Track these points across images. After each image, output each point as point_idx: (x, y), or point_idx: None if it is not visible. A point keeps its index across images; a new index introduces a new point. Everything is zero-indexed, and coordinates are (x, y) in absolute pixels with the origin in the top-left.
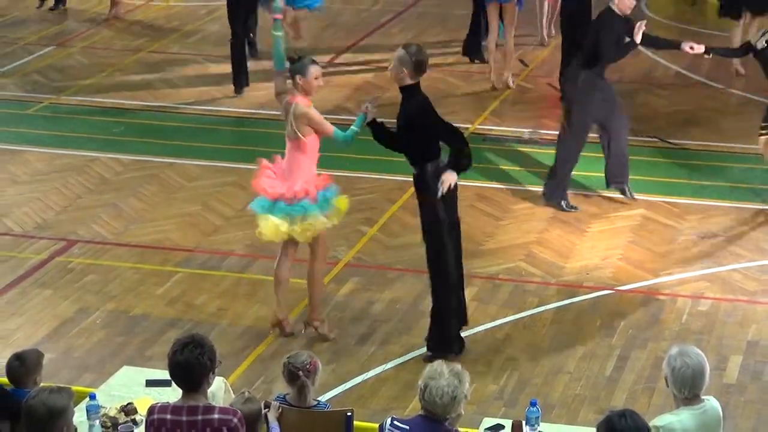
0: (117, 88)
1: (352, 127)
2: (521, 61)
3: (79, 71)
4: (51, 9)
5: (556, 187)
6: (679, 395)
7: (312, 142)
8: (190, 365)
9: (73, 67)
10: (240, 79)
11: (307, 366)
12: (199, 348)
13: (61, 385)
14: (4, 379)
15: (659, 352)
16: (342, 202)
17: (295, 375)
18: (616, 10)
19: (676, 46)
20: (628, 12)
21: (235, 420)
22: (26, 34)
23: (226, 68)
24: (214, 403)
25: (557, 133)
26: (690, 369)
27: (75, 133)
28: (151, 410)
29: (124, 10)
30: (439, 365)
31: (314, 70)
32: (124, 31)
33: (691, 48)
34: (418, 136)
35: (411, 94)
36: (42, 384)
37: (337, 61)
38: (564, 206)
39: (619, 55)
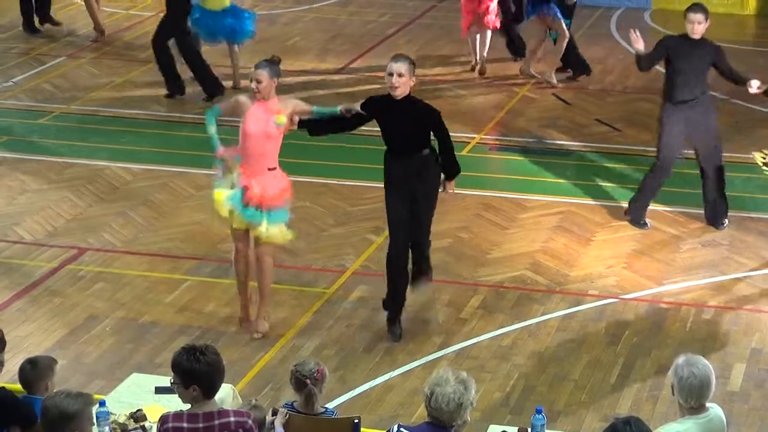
0: (126, 98)
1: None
2: (562, 100)
3: (90, 81)
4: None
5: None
6: (685, 405)
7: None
8: (212, 370)
9: (84, 78)
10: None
11: (315, 374)
12: (213, 354)
13: (82, 391)
14: (17, 386)
15: (663, 360)
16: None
17: (303, 383)
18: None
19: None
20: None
21: (250, 421)
22: (37, 45)
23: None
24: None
25: (562, 142)
26: (697, 379)
27: (85, 142)
28: (165, 419)
29: (104, 34)
30: (446, 372)
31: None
32: (134, 42)
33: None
34: (435, 130)
35: (412, 97)
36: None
37: (343, 71)
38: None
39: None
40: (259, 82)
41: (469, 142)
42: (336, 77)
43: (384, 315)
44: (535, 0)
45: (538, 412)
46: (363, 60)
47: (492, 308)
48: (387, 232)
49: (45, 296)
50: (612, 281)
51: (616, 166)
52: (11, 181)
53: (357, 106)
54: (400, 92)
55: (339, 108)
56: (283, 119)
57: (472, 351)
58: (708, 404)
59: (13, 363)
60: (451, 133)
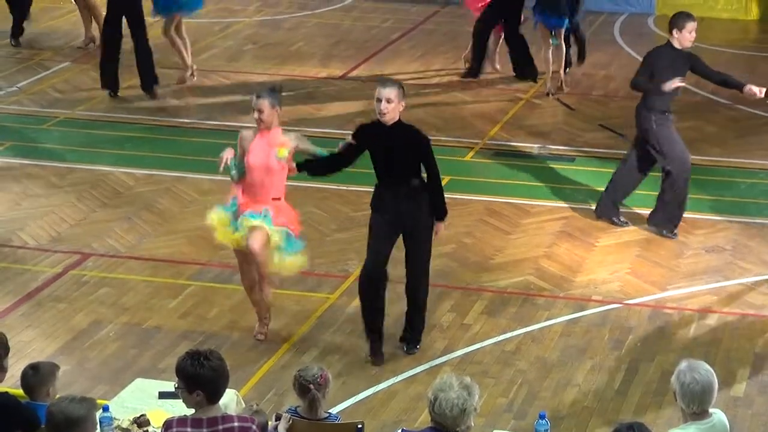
0: (130, 103)
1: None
2: (566, 105)
3: (93, 87)
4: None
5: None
6: (687, 410)
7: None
8: (216, 375)
9: (87, 83)
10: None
11: (318, 379)
12: (218, 360)
13: (86, 396)
14: (20, 391)
15: (667, 365)
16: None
17: (306, 388)
18: (676, 45)
19: (738, 86)
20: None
21: (254, 427)
22: (41, 50)
23: (238, 83)
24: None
25: (566, 148)
26: (699, 385)
27: (89, 147)
28: (169, 424)
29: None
30: (449, 377)
31: None
32: None
33: (757, 92)
34: (422, 159)
35: (403, 122)
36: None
37: (347, 77)
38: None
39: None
40: (261, 111)
41: (472, 148)
42: (339, 83)
43: (388, 319)
44: (548, 12)
45: (542, 417)
46: (366, 65)
47: (496, 313)
48: None
49: (49, 301)
50: (616, 287)
51: None
52: (15, 186)
53: (350, 138)
54: (389, 118)
55: (339, 145)
56: (285, 153)
57: (476, 356)
58: (711, 410)
59: (17, 368)
60: (456, 139)
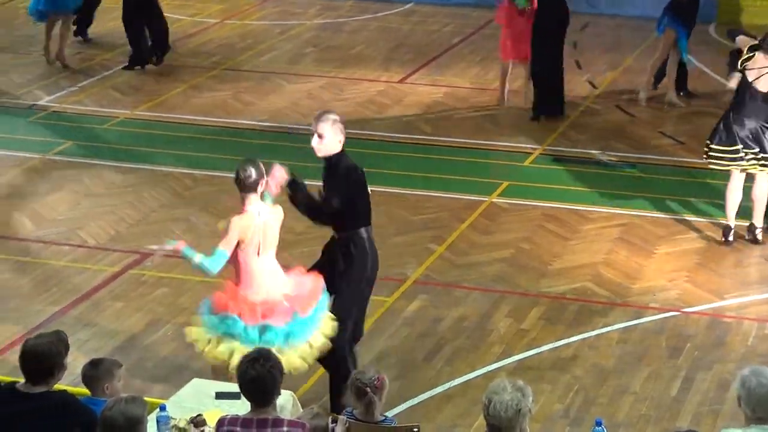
0: (191, 104)
1: None
2: (627, 112)
3: (155, 87)
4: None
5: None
6: (752, 415)
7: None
8: (262, 379)
9: (149, 83)
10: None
11: (375, 382)
12: (269, 362)
13: (134, 395)
14: (82, 389)
15: (725, 374)
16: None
17: (363, 391)
18: None
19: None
20: None
21: None
22: (103, 51)
23: (301, 86)
24: (282, 416)
25: (626, 154)
26: (765, 389)
27: (149, 147)
28: (221, 422)
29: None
30: (502, 381)
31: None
32: (199, 48)
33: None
34: (359, 197)
35: (344, 157)
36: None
37: (407, 80)
38: None
39: None
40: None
41: (532, 153)
42: (399, 86)
43: (445, 323)
44: (677, 12)
45: (598, 424)
46: (426, 70)
47: (553, 319)
48: (448, 242)
49: (107, 300)
50: (674, 294)
51: (680, 179)
52: (75, 185)
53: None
54: (321, 155)
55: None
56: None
57: (533, 362)
58: None
59: (75, 366)
60: (515, 144)
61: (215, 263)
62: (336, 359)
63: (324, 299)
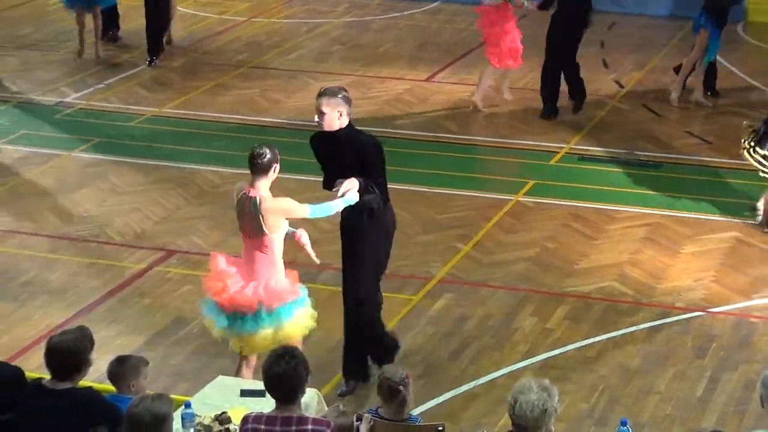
0: (217, 102)
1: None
2: (653, 111)
3: (181, 85)
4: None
5: None
6: None
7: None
8: (287, 377)
9: (176, 81)
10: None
11: (405, 379)
12: (294, 359)
13: (160, 392)
14: (108, 386)
15: (751, 375)
16: (295, 328)
17: (396, 390)
18: None
19: None
20: None
21: (328, 431)
22: (130, 48)
23: (327, 84)
24: (307, 414)
25: (652, 154)
26: None
27: (175, 145)
28: (246, 420)
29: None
30: (528, 380)
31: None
32: (226, 46)
33: None
34: (380, 169)
35: (355, 130)
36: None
37: (433, 79)
38: None
39: None
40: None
41: (558, 152)
42: (426, 84)
43: (470, 322)
44: (711, 12)
45: (623, 424)
46: (452, 68)
47: (578, 319)
48: (474, 240)
49: (133, 297)
50: (700, 294)
51: (707, 179)
52: (102, 182)
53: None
54: (326, 126)
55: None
56: None
57: (558, 361)
58: None
59: (100, 363)
60: (541, 143)
61: (328, 206)
62: (372, 332)
63: (301, 300)
